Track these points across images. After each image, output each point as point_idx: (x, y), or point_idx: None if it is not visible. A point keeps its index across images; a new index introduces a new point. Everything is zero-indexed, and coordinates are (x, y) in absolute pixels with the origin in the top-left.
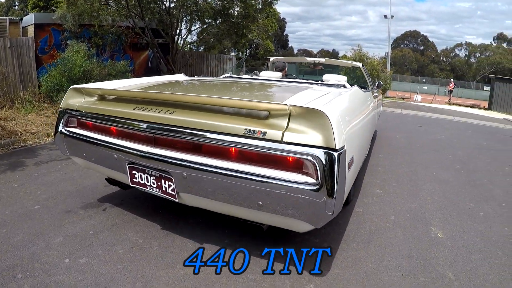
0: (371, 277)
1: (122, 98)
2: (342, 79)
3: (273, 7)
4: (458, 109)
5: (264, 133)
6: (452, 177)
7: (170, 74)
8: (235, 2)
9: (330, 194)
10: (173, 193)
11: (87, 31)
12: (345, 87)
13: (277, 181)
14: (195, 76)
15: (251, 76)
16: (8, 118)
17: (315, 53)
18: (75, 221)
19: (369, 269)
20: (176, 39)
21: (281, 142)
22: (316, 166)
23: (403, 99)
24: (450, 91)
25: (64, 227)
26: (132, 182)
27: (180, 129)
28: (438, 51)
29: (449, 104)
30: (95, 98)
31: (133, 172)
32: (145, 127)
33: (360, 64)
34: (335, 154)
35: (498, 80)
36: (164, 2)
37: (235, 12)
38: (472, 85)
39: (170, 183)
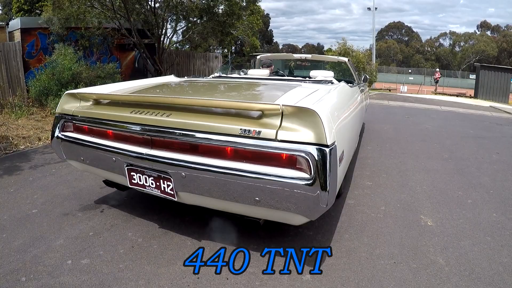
0: (364, 266)
1: (117, 102)
2: (329, 74)
3: (257, 4)
4: (445, 98)
5: (259, 132)
6: (440, 166)
7: (157, 73)
8: (219, 0)
9: (324, 187)
10: (172, 192)
11: (73, 34)
12: (333, 83)
13: (273, 177)
14: (185, 77)
15: (240, 74)
16: None
17: (300, 47)
18: (74, 223)
19: (362, 258)
20: (162, 39)
21: (275, 140)
22: (309, 161)
23: (390, 90)
24: (436, 81)
25: (64, 229)
26: (131, 183)
27: (177, 130)
28: (423, 41)
29: (436, 94)
30: (91, 102)
31: (132, 173)
32: (142, 129)
33: (346, 59)
34: (327, 149)
35: (484, 68)
36: (149, 3)
37: (220, 10)
38: (458, 74)
39: (168, 183)
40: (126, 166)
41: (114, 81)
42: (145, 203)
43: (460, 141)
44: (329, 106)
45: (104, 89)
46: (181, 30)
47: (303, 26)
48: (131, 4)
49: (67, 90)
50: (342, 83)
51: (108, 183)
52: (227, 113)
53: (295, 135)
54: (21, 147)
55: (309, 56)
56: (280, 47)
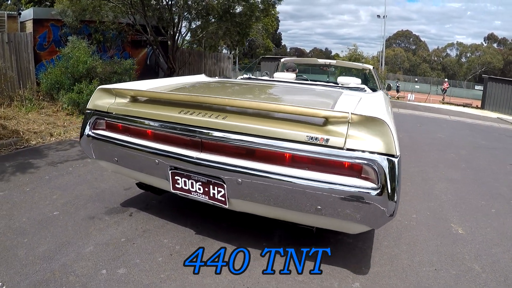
0: (408, 273)
1: (161, 101)
2: (357, 81)
3: (276, 7)
4: (452, 108)
5: (327, 140)
6: (460, 176)
7: (170, 72)
8: (238, 1)
9: (392, 197)
10: (223, 199)
11: (87, 27)
12: (365, 90)
13: (338, 186)
14: (216, 77)
15: (265, 76)
16: (8, 117)
17: (308, 51)
18: (102, 228)
19: (405, 265)
20: (176, 37)
21: (342, 148)
22: (377, 171)
23: (397, 98)
24: (444, 91)
25: (92, 234)
26: (174, 188)
27: (234, 134)
28: (430, 50)
29: (443, 103)
30: (128, 99)
31: (176, 177)
32: (192, 131)
33: (370, 67)
34: (395, 160)
35: (491, 80)
36: (167, 1)
37: (239, 11)
38: (463, 84)
39: (220, 189)
40: (170, 170)
41: (130, 78)
42: (175, 207)
43: (474, 151)
44: (389, 116)
45: (137, 87)
46: (196, 29)
47: (311, 30)
48: (148, 0)
49: (81, 84)
50: (381, 91)
51: (142, 186)
52: (289, 119)
53: (364, 144)
54: (33, 142)
55: (333, 62)
56: (288, 50)
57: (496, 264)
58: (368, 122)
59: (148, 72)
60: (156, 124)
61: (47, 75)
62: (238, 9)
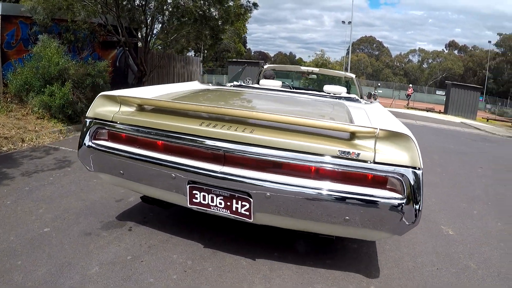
0: (414, 274)
1: (178, 111)
2: (343, 90)
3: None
4: (417, 113)
5: (358, 154)
6: (438, 180)
7: (141, 75)
8: (215, 5)
9: (417, 206)
10: (248, 213)
11: (57, 26)
12: (359, 101)
13: (368, 197)
14: (209, 84)
15: (248, 83)
16: None
17: (272, 55)
18: (103, 245)
19: (410, 267)
20: (148, 39)
21: (371, 162)
22: (403, 183)
23: None
24: (409, 96)
25: (93, 253)
26: (191, 203)
27: (265, 149)
28: (392, 56)
29: (408, 108)
30: (135, 108)
31: (194, 192)
32: (216, 145)
33: (353, 75)
34: (420, 172)
35: (454, 86)
36: (141, 1)
37: (215, 15)
38: (425, 89)
39: (244, 203)
40: (188, 184)
41: (104, 80)
42: (175, 219)
43: (446, 156)
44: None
45: (143, 95)
46: (169, 31)
47: (275, 34)
48: (123, 0)
49: (52, 87)
50: (377, 103)
51: (148, 200)
52: (316, 133)
53: (391, 158)
54: (4, 148)
55: (316, 69)
56: (252, 53)
57: (488, 261)
58: (395, 137)
59: (118, 74)
60: (174, 136)
61: (15, 76)
62: (214, 12)
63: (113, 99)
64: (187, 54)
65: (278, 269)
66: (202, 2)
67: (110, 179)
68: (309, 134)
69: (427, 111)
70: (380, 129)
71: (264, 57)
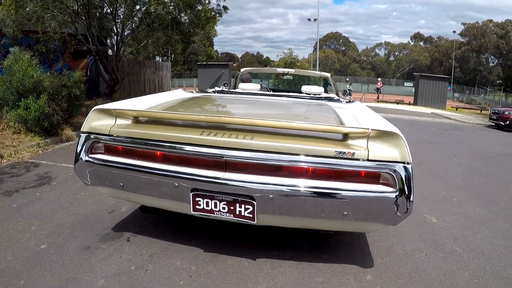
0: (406, 261)
1: (176, 122)
2: (321, 90)
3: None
4: (388, 106)
5: (353, 153)
6: (417, 171)
7: (113, 83)
8: (185, 10)
9: (408, 198)
10: (251, 215)
11: (27, 38)
12: (340, 100)
13: (364, 193)
14: (194, 91)
15: (227, 88)
16: None
17: (239, 56)
18: (104, 257)
19: (401, 254)
20: (120, 46)
21: (365, 160)
22: (394, 177)
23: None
24: (378, 90)
25: (96, 266)
26: (195, 209)
27: (265, 153)
28: (359, 51)
29: (378, 101)
30: (131, 120)
31: (197, 199)
32: (217, 153)
33: (328, 75)
34: (409, 166)
35: (422, 77)
36: (111, 9)
37: (185, 20)
38: (393, 81)
39: (248, 206)
40: (191, 192)
41: (80, 91)
42: (171, 227)
43: (421, 147)
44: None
45: (137, 107)
46: (140, 38)
47: (240, 34)
48: (93, 8)
49: (27, 100)
50: (358, 102)
51: (147, 210)
52: (312, 136)
53: (383, 155)
54: None
55: (292, 70)
56: (219, 55)
57: (472, 244)
58: (385, 135)
59: (90, 84)
60: (175, 146)
61: None
62: (185, 17)
63: (108, 112)
64: (156, 59)
65: (279, 266)
66: (172, 7)
67: (109, 192)
68: (305, 137)
69: (397, 103)
70: (371, 129)
71: (231, 58)
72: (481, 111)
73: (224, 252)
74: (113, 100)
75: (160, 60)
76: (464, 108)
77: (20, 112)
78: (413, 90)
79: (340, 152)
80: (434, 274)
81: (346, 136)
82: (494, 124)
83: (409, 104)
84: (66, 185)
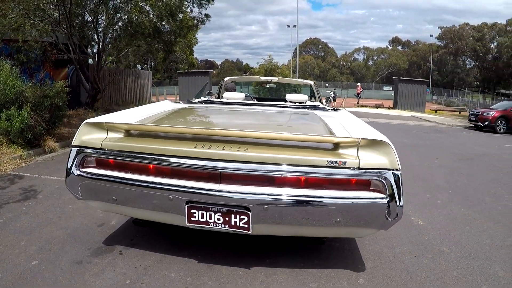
0: (396, 263)
1: (169, 136)
2: (305, 98)
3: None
4: (368, 110)
5: (345, 162)
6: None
7: (95, 92)
8: (167, 19)
9: (398, 203)
10: (246, 226)
11: (6, 47)
12: (326, 108)
13: (356, 200)
14: (181, 102)
15: (213, 98)
16: None
17: (219, 63)
18: (98, 272)
19: (391, 257)
20: (101, 55)
21: (357, 168)
22: (385, 184)
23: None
24: (358, 95)
25: (90, 281)
26: (190, 221)
27: (259, 165)
28: (338, 56)
29: (358, 106)
30: (123, 134)
31: (192, 211)
32: (213, 165)
33: (311, 82)
34: (399, 173)
35: (401, 81)
36: (92, 18)
37: (167, 29)
38: (372, 86)
39: (243, 216)
40: (186, 204)
41: (62, 101)
42: (163, 238)
43: (403, 150)
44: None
45: (127, 120)
46: (121, 47)
47: (220, 41)
48: (74, 17)
49: (9, 111)
50: (343, 110)
51: (140, 223)
52: (304, 146)
53: (373, 163)
54: None
55: (275, 79)
56: (199, 62)
57: (458, 244)
58: (375, 144)
59: (70, 93)
60: (168, 159)
61: None
62: (167, 26)
63: (99, 126)
64: (137, 67)
65: (273, 274)
66: (155, 16)
67: (102, 206)
68: (298, 147)
69: (377, 107)
70: (361, 138)
71: (211, 65)
72: (459, 113)
73: (218, 262)
74: (95, 110)
75: (140, 69)
76: (443, 110)
77: (1, 123)
78: (392, 94)
79: (332, 162)
80: (424, 275)
81: (337, 146)
82: (473, 125)
83: (389, 108)
84: (52, 198)
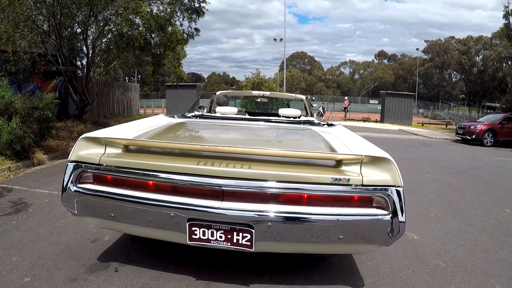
0: (394, 278)
1: (171, 152)
2: (298, 112)
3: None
4: (356, 124)
5: (348, 179)
6: None
7: (83, 104)
8: (157, 31)
9: (401, 219)
10: (249, 243)
11: None
12: (320, 124)
13: (359, 217)
14: (175, 116)
15: (203, 112)
16: None
17: (205, 76)
18: None
19: (389, 273)
20: (90, 67)
21: (361, 185)
22: (387, 200)
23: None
24: (345, 108)
25: None
26: (191, 239)
27: (263, 182)
28: (324, 69)
29: (345, 120)
30: (121, 149)
31: (193, 229)
32: (216, 182)
33: (303, 97)
34: (401, 189)
35: (388, 95)
36: (81, 29)
37: (157, 42)
38: (358, 99)
39: (246, 234)
40: (188, 222)
41: (52, 113)
42: (159, 255)
43: None
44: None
45: (125, 135)
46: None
47: (206, 55)
48: (64, 29)
49: None
50: (339, 125)
51: (137, 240)
52: (308, 163)
53: (376, 180)
54: None
55: (267, 93)
56: (186, 75)
57: (454, 258)
58: (378, 161)
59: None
60: (170, 176)
61: None
62: (157, 39)
63: (97, 141)
64: (126, 80)
65: None
66: (145, 29)
67: (99, 223)
68: (302, 164)
69: (364, 121)
70: (364, 155)
71: (197, 78)
72: (446, 126)
73: (217, 280)
74: (83, 122)
75: (127, 81)
76: (430, 123)
77: None
78: (379, 107)
79: (336, 179)
80: None
81: (339, 163)
82: (460, 138)
83: (376, 121)
84: (43, 212)
